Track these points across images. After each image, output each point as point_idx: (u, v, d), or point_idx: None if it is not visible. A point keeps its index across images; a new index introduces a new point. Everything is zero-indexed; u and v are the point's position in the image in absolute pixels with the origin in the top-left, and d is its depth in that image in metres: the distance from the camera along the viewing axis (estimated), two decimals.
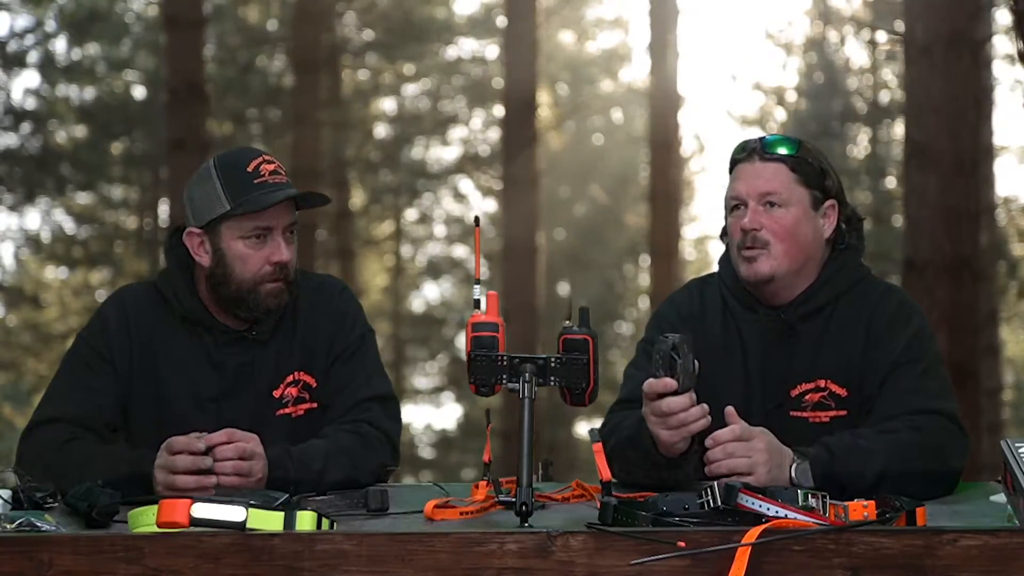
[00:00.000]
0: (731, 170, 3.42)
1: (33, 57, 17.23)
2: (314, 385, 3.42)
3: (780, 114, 18.56)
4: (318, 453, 3.23)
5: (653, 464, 3.13)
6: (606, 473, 2.74)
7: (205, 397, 3.36)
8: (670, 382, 2.99)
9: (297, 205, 3.39)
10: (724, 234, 3.47)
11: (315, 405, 3.42)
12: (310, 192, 3.42)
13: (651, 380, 3.02)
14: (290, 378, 3.40)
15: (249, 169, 3.31)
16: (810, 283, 3.36)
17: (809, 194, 3.35)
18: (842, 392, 3.29)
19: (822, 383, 3.30)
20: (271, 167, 3.33)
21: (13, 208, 17.57)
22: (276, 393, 3.39)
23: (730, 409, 3.08)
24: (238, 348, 3.39)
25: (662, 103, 14.72)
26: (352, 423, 3.34)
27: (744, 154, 3.38)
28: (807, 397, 3.30)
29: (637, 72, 22.60)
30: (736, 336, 3.38)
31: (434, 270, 21.60)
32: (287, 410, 3.39)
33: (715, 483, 2.61)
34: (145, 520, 2.59)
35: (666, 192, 14.70)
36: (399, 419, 3.44)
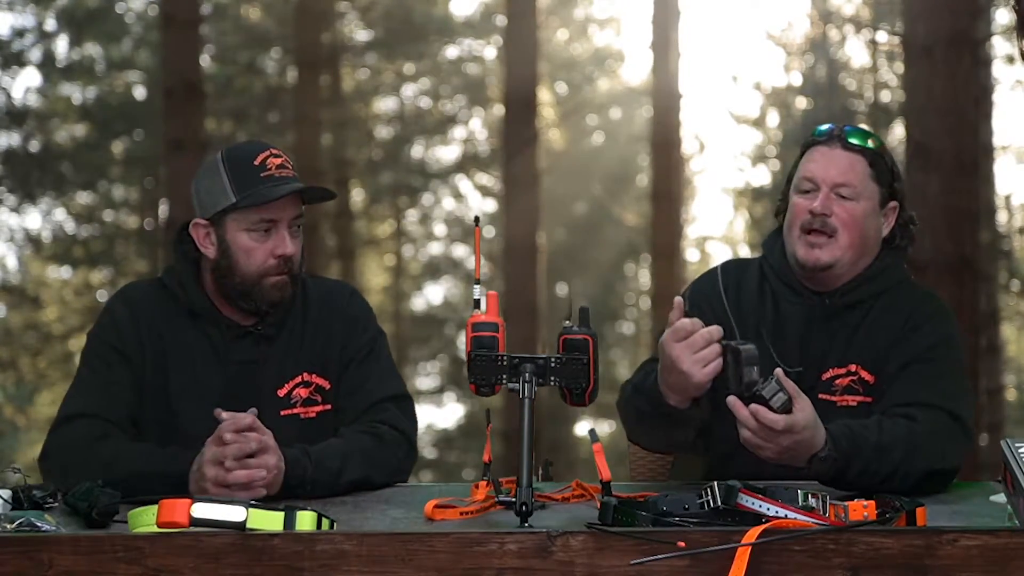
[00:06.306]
0: (805, 150, 3.44)
1: (34, 56, 17.24)
2: (327, 387, 3.42)
3: (781, 114, 18.55)
4: (336, 453, 3.23)
5: (660, 415, 3.12)
6: (606, 473, 2.74)
7: (210, 393, 3.35)
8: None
9: (304, 199, 3.41)
10: (778, 212, 3.50)
11: (328, 407, 3.42)
12: (316, 186, 3.45)
13: (684, 321, 3.01)
14: (298, 379, 3.40)
15: (256, 162, 3.34)
16: (857, 274, 3.39)
17: (880, 191, 3.40)
18: (870, 379, 3.32)
19: (853, 368, 3.33)
20: (278, 161, 3.36)
21: (14, 208, 17.59)
22: (280, 392, 3.39)
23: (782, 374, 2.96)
24: (244, 344, 3.39)
25: (663, 102, 14.70)
26: (369, 424, 3.35)
27: (825, 138, 3.40)
28: (837, 381, 3.33)
29: (636, 71, 22.61)
30: (773, 317, 3.40)
31: (434, 270, 21.59)
32: (294, 410, 3.39)
33: (715, 483, 2.61)
34: (145, 520, 2.59)
35: (667, 192, 14.68)
36: (415, 417, 3.46)
